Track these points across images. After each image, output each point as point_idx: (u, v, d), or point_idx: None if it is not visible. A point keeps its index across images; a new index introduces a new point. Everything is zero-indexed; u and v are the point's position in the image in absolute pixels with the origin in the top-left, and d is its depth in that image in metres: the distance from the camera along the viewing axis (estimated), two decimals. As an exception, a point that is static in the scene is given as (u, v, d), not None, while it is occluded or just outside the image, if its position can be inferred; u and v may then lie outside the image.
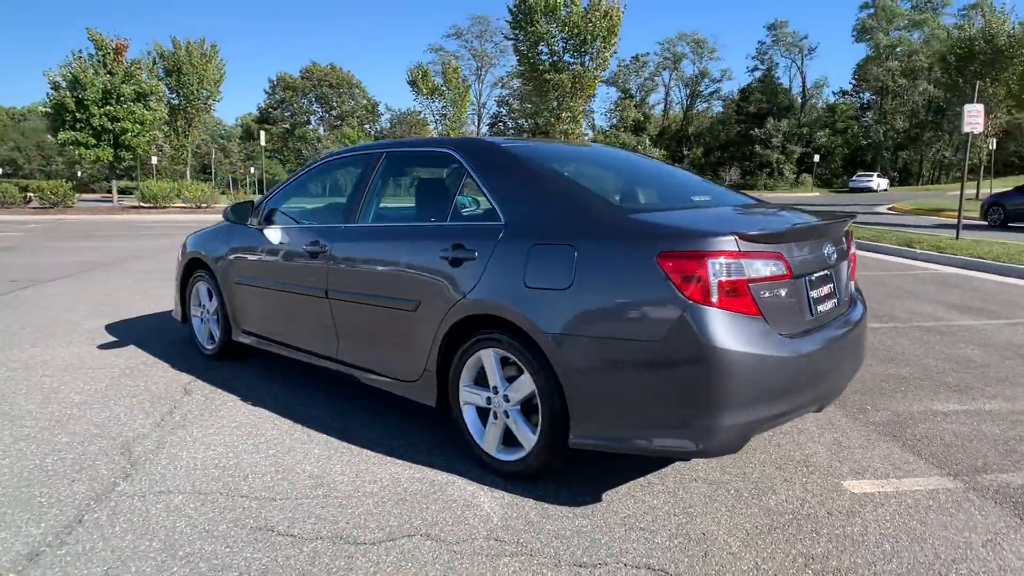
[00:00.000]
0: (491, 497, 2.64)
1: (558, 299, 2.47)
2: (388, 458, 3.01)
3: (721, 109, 72.87)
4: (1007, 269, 8.54)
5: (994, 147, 29.75)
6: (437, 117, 36.47)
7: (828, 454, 3.06)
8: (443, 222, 3.05)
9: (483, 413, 2.89)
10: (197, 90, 33.62)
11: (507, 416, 2.74)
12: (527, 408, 2.72)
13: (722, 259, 2.24)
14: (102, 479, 2.79)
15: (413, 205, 3.49)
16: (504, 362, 2.75)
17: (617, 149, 3.89)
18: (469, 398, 2.89)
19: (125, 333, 5.33)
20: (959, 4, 57.75)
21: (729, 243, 2.26)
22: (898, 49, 60.16)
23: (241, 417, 3.51)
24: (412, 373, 3.10)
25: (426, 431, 3.31)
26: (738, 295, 2.26)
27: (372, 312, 3.24)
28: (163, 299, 6.79)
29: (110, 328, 5.53)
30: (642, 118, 70.81)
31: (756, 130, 63.39)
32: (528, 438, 2.66)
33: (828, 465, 2.95)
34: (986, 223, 18.29)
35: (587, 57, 23.09)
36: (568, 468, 2.82)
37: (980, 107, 11.20)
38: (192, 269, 4.66)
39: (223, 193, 28.83)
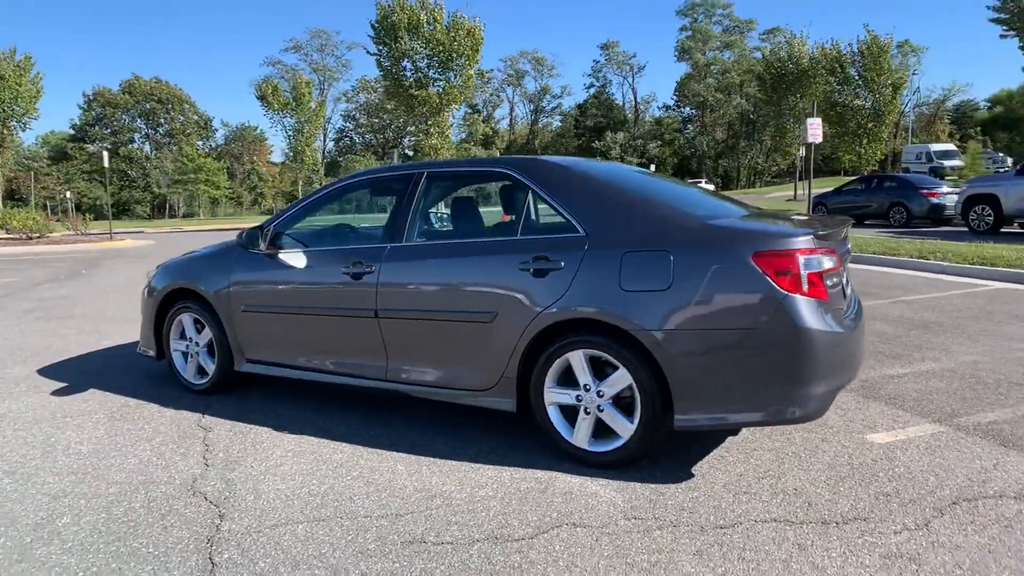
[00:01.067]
0: (600, 485, 2.86)
1: (658, 299, 2.77)
2: (476, 464, 3.12)
3: (560, 123, 76.90)
4: (862, 258, 10.08)
5: (803, 153, 34.05)
6: (290, 133, 35.10)
7: (838, 417, 3.62)
8: (514, 236, 3.24)
9: (566, 411, 3.10)
10: (10, 107, 29.62)
11: (600, 410, 2.98)
12: (617, 401, 2.98)
13: (807, 255, 2.67)
14: (198, 522, 2.65)
15: (470, 222, 3.62)
16: (592, 361, 3.00)
17: (633, 166, 4.25)
18: (555, 399, 3.09)
19: (70, 377, 4.82)
20: (762, 28, 65.77)
21: (809, 242, 2.70)
22: (713, 67, 67.06)
23: (292, 446, 3.42)
24: (486, 382, 3.24)
25: (491, 436, 3.44)
26: (816, 284, 2.70)
27: (437, 327, 3.33)
28: (80, 339, 6.15)
29: (46, 373, 4.96)
30: (490, 132, 72.87)
31: (596, 143, 67.68)
32: (626, 427, 2.93)
33: (845, 425, 3.50)
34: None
35: (452, 73, 23.57)
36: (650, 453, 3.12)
37: (819, 120, 13.05)
38: (172, 301, 4.37)
39: (58, 220, 25.59)
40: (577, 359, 3.00)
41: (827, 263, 2.78)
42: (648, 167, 58.59)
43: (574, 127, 74.11)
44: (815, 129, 12.97)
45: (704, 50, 67.20)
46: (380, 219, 4.46)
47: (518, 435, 3.43)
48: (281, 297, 3.87)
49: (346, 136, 74.36)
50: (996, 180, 15.41)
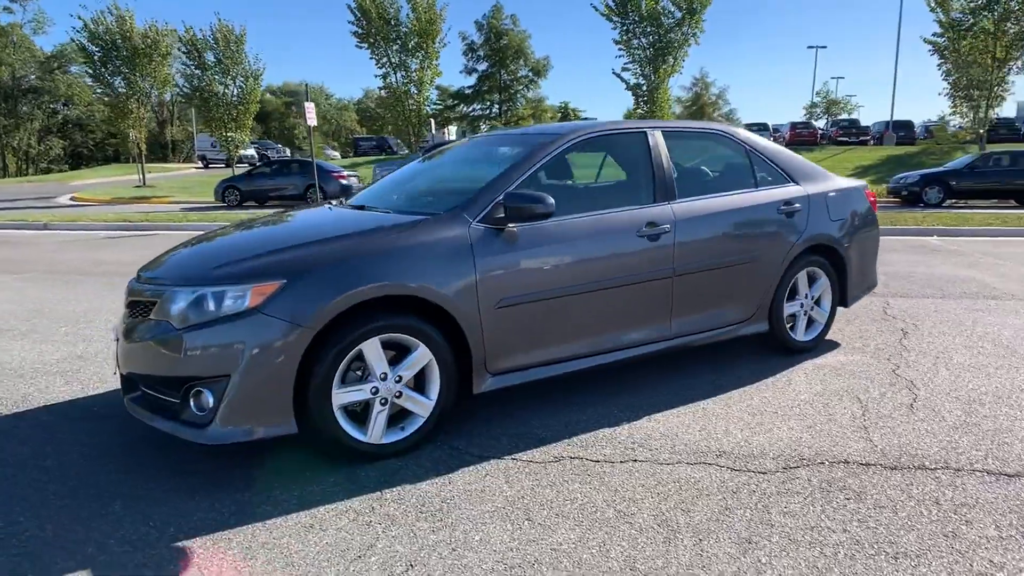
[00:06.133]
0: (841, 357, 4.14)
1: (844, 223, 4.23)
2: (769, 380, 3.82)
3: None
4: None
5: (134, 136, 31.55)
6: None
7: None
8: (755, 188, 3.93)
9: (791, 319, 4.15)
10: None
11: (811, 310, 4.22)
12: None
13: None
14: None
15: (711, 176, 3.86)
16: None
17: None
18: (788, 311, 4.10)
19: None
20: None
21: (867, 183, 4.69)
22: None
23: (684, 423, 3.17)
24: (745, 314, 3.89)
25: (723, 365, 4.03)
26: (866, 205, 4.72)
27: (719, 275, 3.69)
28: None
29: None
30: None
31: None
32: (824, 316, 4.27)
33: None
34: (224, 204, 21.25)
35: None
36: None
37: (313, 104, 13.86)
38: (344, 318, 2.66)
39: None
40: (803, 277, 4.12)
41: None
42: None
43: None
44: (311, 113, 13.73)
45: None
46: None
47: (727, 359, 4.15)
48: (565, 277, 3.15)
49: None
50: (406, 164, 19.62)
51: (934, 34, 22.14)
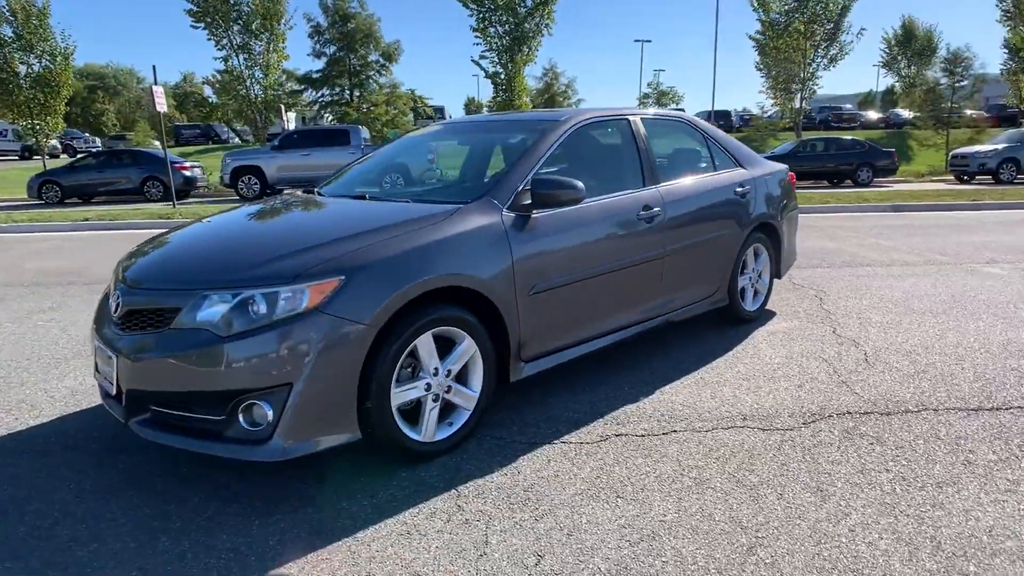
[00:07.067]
0: (791, 320, 4.62)
1: (777, 200, 4.69)
2: (730, 352, 4.19)
3: None
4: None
5: None
6: None
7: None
8: (716, 172, 4.23)
9: (742, 291, 4.55)
10: None
11: (757, 280, 4.65)
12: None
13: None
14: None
15: (680, 161, 4.05)
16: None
17: None
18: (741, 283, 4.48)
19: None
20: None
21: (786, 166, 5.22)
22: None
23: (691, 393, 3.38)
24: (711, 290, 4.20)
25: (700, 342, 4.34)
26: (789, 186, 5.25)
27: (694, 255, 3.94)
28: None
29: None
30: None
31: None
32: (765, 287, 4.73)
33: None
34: (42, 201, 18.59)
35: None
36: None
37: (161, 88, 12.48)
38: (396, 320, 2.53)
39: None
40: (751, 253, 4.52)
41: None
42: None
43: None
44: (160, 98, 12.34)
45: None
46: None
47: (696, 334, 4.46)
48: (586, 261, 3.21)
49: None
50: (257, 153, 18.33)
51: (757, 32, 24.91)
